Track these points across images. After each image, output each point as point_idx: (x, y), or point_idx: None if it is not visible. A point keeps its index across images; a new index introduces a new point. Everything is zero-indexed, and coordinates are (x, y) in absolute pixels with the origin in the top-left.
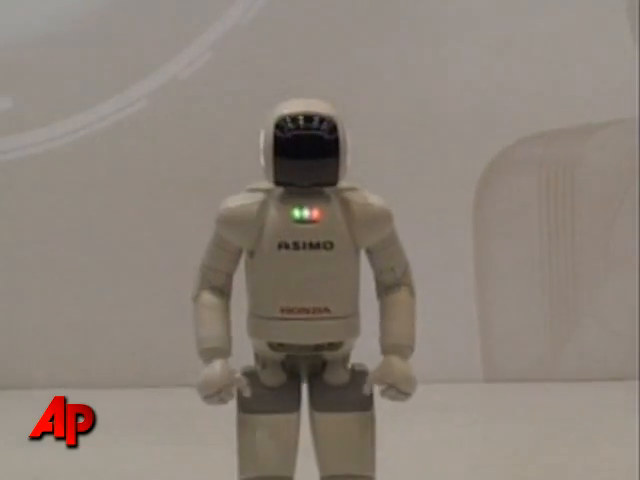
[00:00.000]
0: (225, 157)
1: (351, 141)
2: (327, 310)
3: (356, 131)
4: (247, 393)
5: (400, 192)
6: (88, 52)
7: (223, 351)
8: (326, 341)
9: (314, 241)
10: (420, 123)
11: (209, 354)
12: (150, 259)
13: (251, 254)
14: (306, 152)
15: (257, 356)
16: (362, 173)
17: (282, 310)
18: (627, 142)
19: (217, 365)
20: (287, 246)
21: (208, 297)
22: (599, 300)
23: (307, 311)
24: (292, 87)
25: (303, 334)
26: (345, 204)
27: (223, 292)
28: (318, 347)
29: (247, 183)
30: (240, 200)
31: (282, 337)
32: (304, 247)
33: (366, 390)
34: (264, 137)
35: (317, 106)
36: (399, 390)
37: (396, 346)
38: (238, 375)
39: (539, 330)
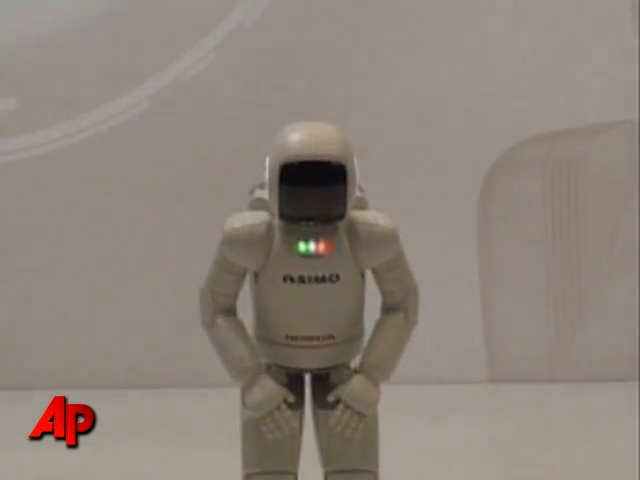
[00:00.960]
0: (229, 158)
1: (353, 140)
2: (332, 337)
3: (359, 133)
4: (291, 398)
5: (404, 193)
6: (92, 53)
7: (261, 367)
8: (330, 365)
9: (320, 275)
10: (424, 124)
11: (250, 373)
12: (152, 260)
13: (256, 276)
14: (314, 182)
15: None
16: (365, 175)
17: (287, 337)
18: (631, 143)
19: (269, 382)
20: (292, 279)
21: (225, 320)
22: (603, 301)
23: (312, 339)
24: (295, 89)
25: (307, 360)
26: (351, 226)
27: (232, 311)
28: (322, 367)
29: (250, 184)
30: (246, 220)
31: (286, 362)
32: (309, 281)
33: (330, 398)
34: (269, 173)
35: (325, 141)
36: (352, 408)
37: (369, 366)
38: (285, 391)
39: (543, 331)
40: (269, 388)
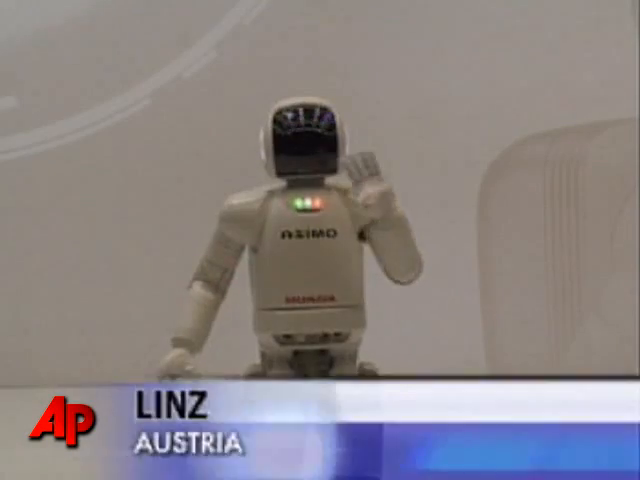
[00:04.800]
0: (228, 156)
1: (353, 139)
2: (332, 299)
3: (359, 130)
4: (189, 370)
5: (404, 190)
6: (92, 51)
7: (189, 343)
8: (332, 330)
9: (317, 229)
10: (425, 121)
11: (175, 343)
12: (153, 258)
13: (254, 249)
14: (305, 148)
15: (264, 355)
16: None
17: (288, 300)
18: (631, 141)
19: (172, 354)
20: (290, 235)
21: (198, 290)
22: (602, 298)
23: (312, 300)
24: (295, 86)
25: (309, 323)
26: (344, 193)
27: (218, 287)
28: (325, 339)
29: (250, 182)
30: (243, 197)
31: (288, 328)
32: (307, 235)
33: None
34: (264, 133)
35: (313, 99)
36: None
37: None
38: (189, 368)
39: (542, 327)
40: (168, 359)
